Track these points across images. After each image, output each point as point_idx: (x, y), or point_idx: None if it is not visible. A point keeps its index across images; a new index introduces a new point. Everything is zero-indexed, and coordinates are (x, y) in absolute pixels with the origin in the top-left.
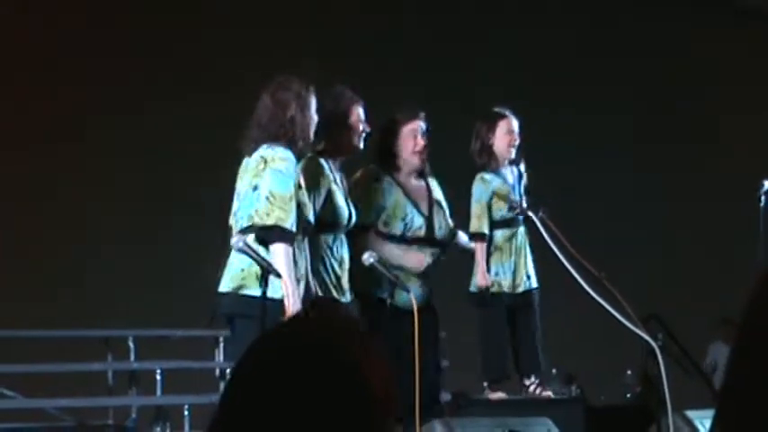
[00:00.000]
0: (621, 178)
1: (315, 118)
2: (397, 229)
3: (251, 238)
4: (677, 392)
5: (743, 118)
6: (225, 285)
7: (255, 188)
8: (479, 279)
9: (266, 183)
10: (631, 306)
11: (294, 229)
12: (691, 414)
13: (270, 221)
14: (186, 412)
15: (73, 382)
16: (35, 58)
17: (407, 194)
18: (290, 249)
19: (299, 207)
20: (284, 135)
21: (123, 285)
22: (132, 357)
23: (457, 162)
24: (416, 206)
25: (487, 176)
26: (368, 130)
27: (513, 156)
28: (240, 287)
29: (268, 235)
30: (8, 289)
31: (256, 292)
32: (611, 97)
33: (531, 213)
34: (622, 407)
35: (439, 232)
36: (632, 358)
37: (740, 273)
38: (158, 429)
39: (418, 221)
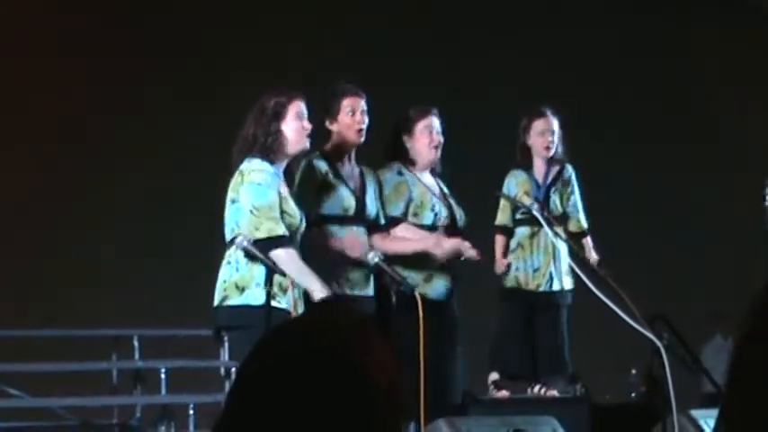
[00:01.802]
0: (623, 177)
1: (295, 123)
2: (428, 219)
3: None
4: (682, 392)
5: (746, 117)
6: (215, 299)
7: (233, 201)
8: (498, 265)
9: (246, 198)
10: (636, 305)
11: (287, 233)
12: (695, 413)
13: (262, 234)
14: (191, 411)
15: (77, 381)
16: (36, 57)
17: (428, 188)
18: (292, 251)
19: (283, 215)
20: (254, 149)
21: (128, 284)
22: (137, 356)
23: (459, 160)
24: (437, 197)
25: (517, 172)
26: (364, 121)
27: (550, 155)
28: (224, 299)
29: (264, 247)
30: (12, 288)
31: (237, 300)
32: (612, 97)
33: (535, 212)
34: (627, 406)
35: (460, 221)
36: (637, 358)
37: (747, 272)
38: (163, 428)
39: (445, 211)
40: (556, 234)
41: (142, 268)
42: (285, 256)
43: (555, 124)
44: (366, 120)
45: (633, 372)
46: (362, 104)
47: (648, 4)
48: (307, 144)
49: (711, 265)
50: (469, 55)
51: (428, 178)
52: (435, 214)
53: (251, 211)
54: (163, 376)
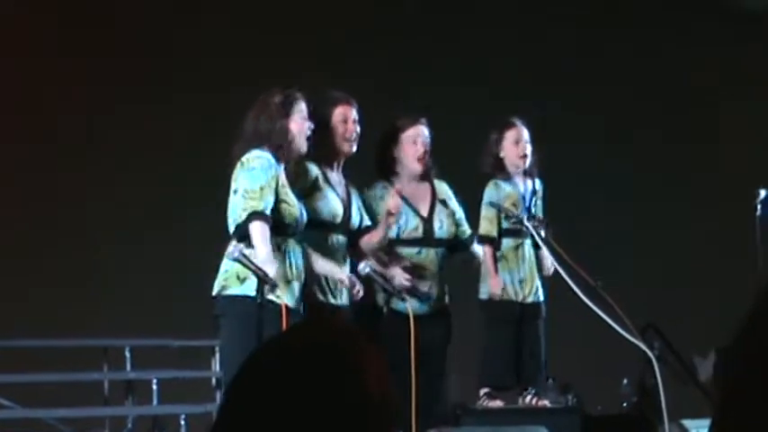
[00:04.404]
0: (621, 179)
1: (301, 122)
2: (392, 232)
3: (245, 248)
4: (674, 402)
5: (746, 119)
6: (214, 289)
7: (235, 191)
8: (492, 285)
9: (241, 183)
10: (628, 315)
11: (268, 213)
12: (687, 423)
13: (245, 215)
14: (182, 422)
15: (69, 391)
16: (36, 57)
17: (403, 198)
18: (266, 226)
19: (283, 205)
20: (262, 143)
21: (119, 295)
22: (128, 367)
23: (457, 167)
24: (412, 208)
25: (500, 182)
26: (355, 130)
27: (524, 166)
28: (223, 288)
29: (246, 225)
30: (4, 297)
31: (237, 291)
32: (611, 97)
33: (527, 223)
34: (619, 416)
35: (440, 231)
36: (629, 367)
37: (739, 281)
38: None
39: (413, 222)
40: (547, 244)
41: (134, 278)
42: (257, 227)
43: (526, 134)
44: (358, 129)
45: (625, 381)
46: (354, 113)
47: (648, 5)
48: (305, 146)
49: (704, 273)
50: (469, 55)
51: (413, 186)
52: (399, 227)
53: (242, 195)
54: (154, 387)
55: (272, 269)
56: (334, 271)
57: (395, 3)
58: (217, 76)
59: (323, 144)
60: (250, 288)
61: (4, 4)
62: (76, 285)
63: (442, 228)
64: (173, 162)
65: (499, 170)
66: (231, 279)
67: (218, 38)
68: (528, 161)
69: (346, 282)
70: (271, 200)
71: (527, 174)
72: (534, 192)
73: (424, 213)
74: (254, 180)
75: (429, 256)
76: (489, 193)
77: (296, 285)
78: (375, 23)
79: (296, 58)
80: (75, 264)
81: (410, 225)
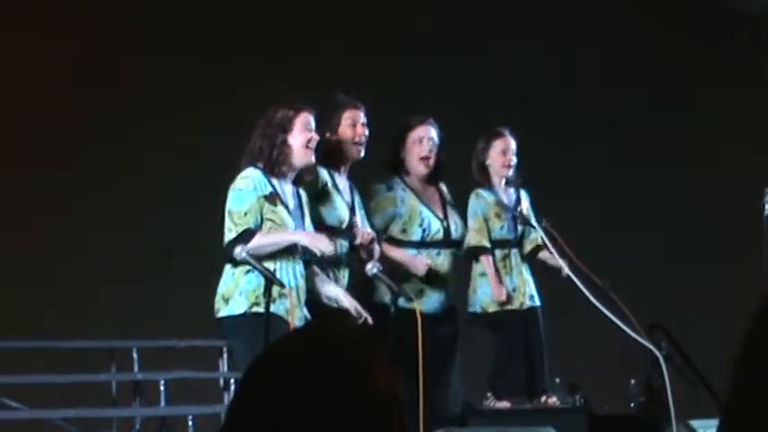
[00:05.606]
0: (621, 182)
1: (301, 135)
2: (416, 235)
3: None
4: (681, 402)
5: (746, 120)
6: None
7: (226, 208)
8: (495, 292)
9: (228, 203)
10: (635, 315)
11: (253, 228)
12: (695, 423)
13: (232, 236)
14: (190, 423)
15: (77, 392)
16: (35, 57)
17: (421, 199)
18: (258, 234)
19: (268, 224)
20: (259, 161)
21: (127, 295)
22: (136, 368)
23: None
24: (432, 210)
25: (483, 192)
26: (364, 134)
27: (509, 175)
28: (217, 311)
29: (238, 246)
30: (11, 299)
31: (224, 312)
32: (611, 97)
33: (534, 223)
34: (626, 416)
35: (455, 234)
36: (637, 367)
37: (747, 281)
38: None
39: (436, 225)
40: (553, 243)
41: (141, 279)
42: (256, 241)
43: (514, 144)
44: (366, 132)
45: (632, 382)
46: (362, 116)
47: (647, 5)
48: (312, 157)
49: (716, 273)
50: (468, 55)
51: (426, 187)
52: (424, 230)
53: (228, 215)
54: (162, 388)
55: (301, 235)
56: (341, 298)
57: (395, 3)
58: (217, 76)
59: (331, 148)
60: (235, 306)
61: (5, 4)
62: (83, 287)
63: (457, 230)
64: (174, 161)
65: (483, 179)
66: (220, 302)
67: (219, 38)
68: (512, 171)
69: (353, 311)
70: (257, 222)
71: (509, 184)
72: (518, 201)
73: (441, 215)
74: (237, 202)
75: (447, 257)
76: (473, 203)
77: (292, 298)
78: (375, 24)
79: (296, 58)
80: (82, 265)
81: (433, 229)
